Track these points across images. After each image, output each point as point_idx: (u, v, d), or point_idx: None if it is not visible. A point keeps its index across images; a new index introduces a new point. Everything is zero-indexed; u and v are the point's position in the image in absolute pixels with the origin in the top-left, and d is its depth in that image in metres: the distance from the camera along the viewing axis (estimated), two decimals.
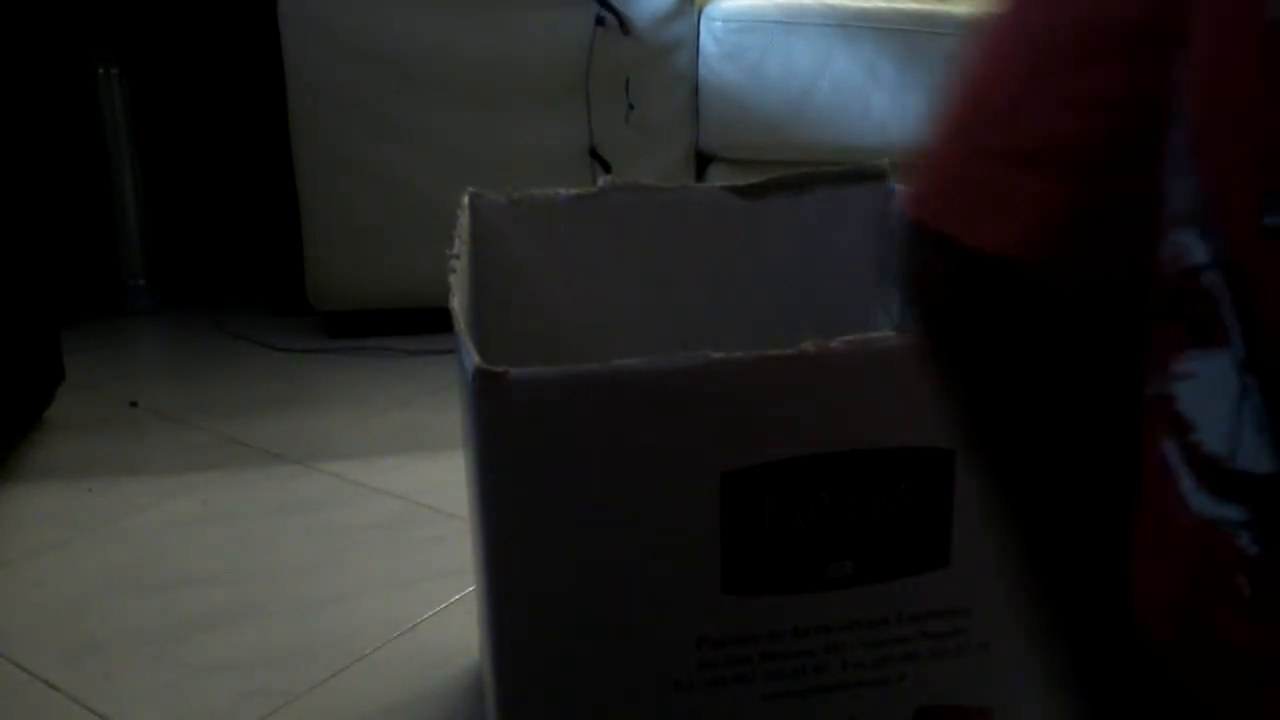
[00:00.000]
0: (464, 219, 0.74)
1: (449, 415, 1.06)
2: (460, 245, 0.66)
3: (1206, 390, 0.33)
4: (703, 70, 1.66)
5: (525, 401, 0.49)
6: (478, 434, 0.49)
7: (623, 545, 0.51)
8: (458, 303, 0.55)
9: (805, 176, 0.80)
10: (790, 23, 1.65)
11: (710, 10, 1.66)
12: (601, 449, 0.50)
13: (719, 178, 1.72)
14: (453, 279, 0.59)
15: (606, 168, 1.63)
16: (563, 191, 0.79)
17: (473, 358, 0.49)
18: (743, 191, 0.80)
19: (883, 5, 1.69)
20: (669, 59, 1.64)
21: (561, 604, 0.52)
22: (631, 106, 1.62)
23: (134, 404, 1.53)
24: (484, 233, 0.80)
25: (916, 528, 0.53)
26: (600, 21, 1.58)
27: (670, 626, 0.53)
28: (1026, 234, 0.37)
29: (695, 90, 1.67)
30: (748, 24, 1.65)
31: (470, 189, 0.79)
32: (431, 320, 1.40)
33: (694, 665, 0.53)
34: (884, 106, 1.69)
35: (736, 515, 0.51)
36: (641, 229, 0.80)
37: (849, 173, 0.79)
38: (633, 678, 0.53)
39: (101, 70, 1.83)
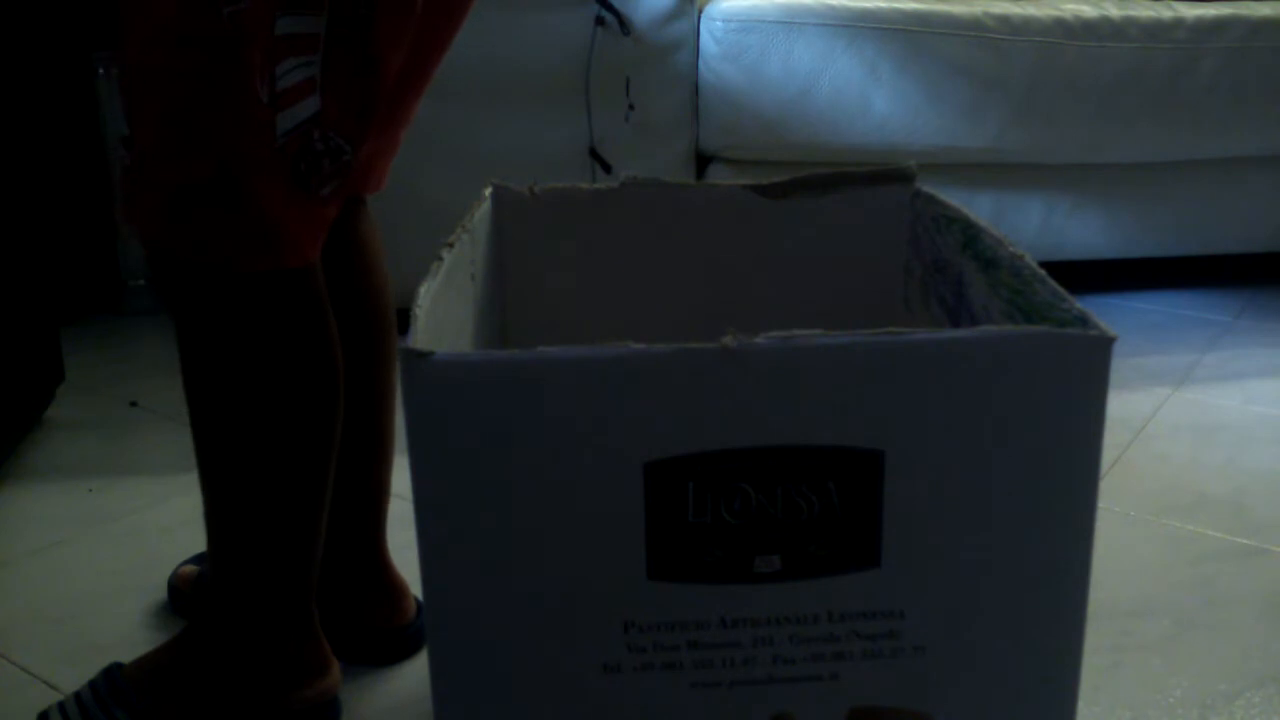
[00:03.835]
0: (483, 210, 0.74)
1: None
2: (464, 236, 0.66)
3: None
4: (703, 70, 1.66)
5: (448, 384, 0.50)
6: (406, 415, 0.51)
7: (549, 528, 0.52)
8: (425, 287, 0.56)
9: (830, 176, 0.79)
10: (790, 23, 1.65)
11: (710, 10, 1.66)
12: (525, 433, 0.51)
13: (719, 177, 1.72)
14: (434, 265, 0.59)
15: (606, 168, 1.63)
16: (584, 185, 0.79)
17: (410, 338, 0.50)
18: (765, 190, 0.79)
19: (883, 5, 1.69)
20: (669, 59, 1.64)
21: (492, 583, 0.53)
22: (631, 106, 1.62)
23: (134, 404, 1.53)
24: (505, 224, 0.80)
25: (845, 527, 0.53)
26: (600, 21, 1.58)
27: (598, 609, 0.54)
28: None
29: (695, 90, 1.67)
30: (748, 24, 1.65)
31: (493, 181, 0.79)
32: None
33: (622, 648, 0.54)
34: (884, 106, 1.69)
35: (660, 505, 0.52)
36: (663, 225, 0.80)
37: (874, 173, 0.79)
38: (563, 658, 0.54)
39: (101, 70, 1.83)
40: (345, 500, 0.92)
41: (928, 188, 0.78)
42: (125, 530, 1.19)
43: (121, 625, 1.02)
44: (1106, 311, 1.93)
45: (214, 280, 0.73)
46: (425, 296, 0.55)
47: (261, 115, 0.69)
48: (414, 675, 0.95)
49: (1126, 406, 1.52)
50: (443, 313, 0.59)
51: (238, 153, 0.69)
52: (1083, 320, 0.54)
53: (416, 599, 0.99)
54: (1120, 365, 1.67)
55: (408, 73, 0.78)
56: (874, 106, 1.69)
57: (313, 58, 0.69)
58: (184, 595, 1.03)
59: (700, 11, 1.66)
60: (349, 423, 0.89)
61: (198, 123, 0.69)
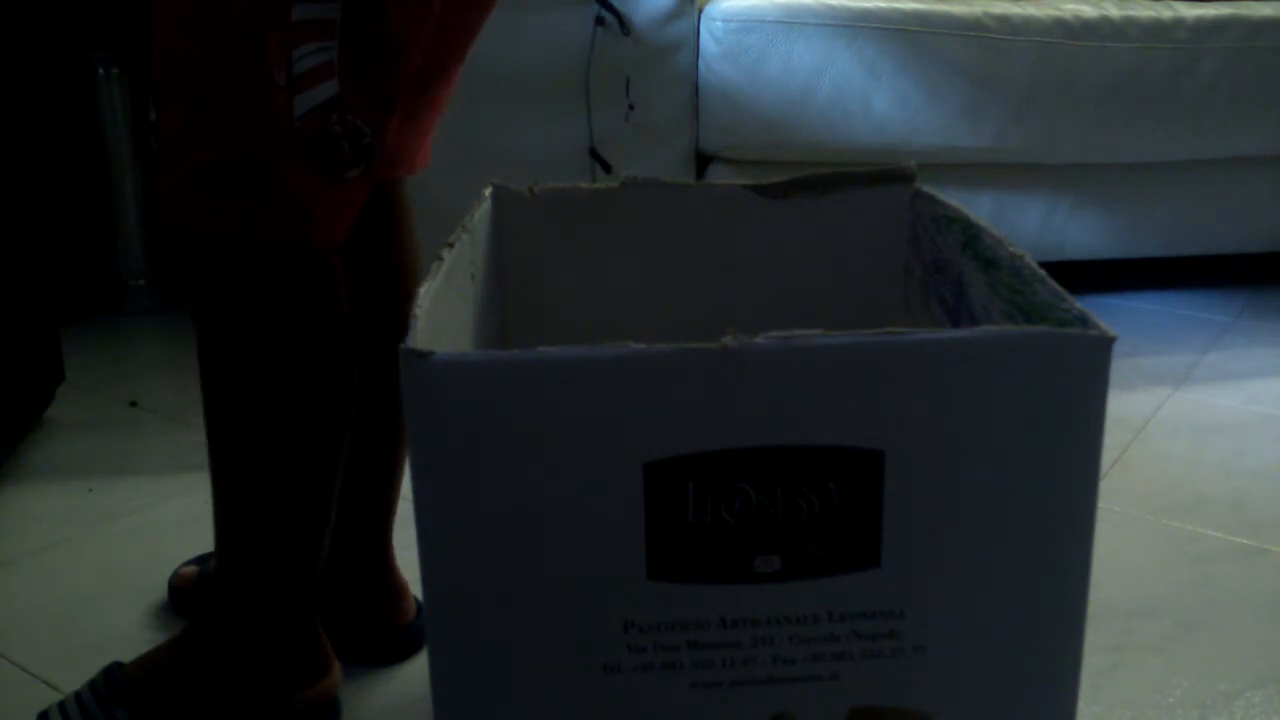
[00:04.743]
0: (483, 210, 0.75)
1: None
2: (464, 236, 0.66)
3: None
4: (703, 70, 1.66)
5: (448, 384, 0.50)
6: (407, 415, 0.51)
7: (549, 528, 0.52)
8: (425, 287, 0.56)
9: (829, 176, 0.79)
10: (790, 23, 1.66)
11: (710, 10, 1.66)
12: (525, 433, 0.51)
13: (719, 178, 1.72)
14: (434, 265, 0.59)
15: (606, 168, 1.63)
16: (584, 185, 0.80)
17: (410, 338, 0.50)
18: (765, 190, 0.79)
19: (883, 5, 1.69)
20: (669, 59, 1.64)
21: (492, 584, 0.53)
22: (631, 106, 1.62)
23: (134, 404, 1.53)
24: (505, 224, 0.80)
25: (845, 527, 0.53)
26: (600, 21, 1.58)
27: (598, 609, 0.54)
28: None
29: (695, 90, 1.67)
30: (748, 24, 1.65)
31: (493, 181, 0.79)
32: None
33: (622, 648, 0.54)
34: (884, 106, 1.69)
35: (660, 505, 0.52)
36: (663, 225, 0.80)
37: (874, 173, 0.79)
38: (563, 658, 0.54)
39: (101, 70, 1.83)
40: (355, 496, 0.92)
41: (928, 188, 0.78)
42: (125, 530, 1.19)
43: (121, 625, 1.02)
44: (1106, 311, 1.93)
45: (236, 259, 0.74)
46: (425, 296, 0.55)
47: (278, 99, 0.70)
48: (414, 675, 0.95)
49: (1126, 406, 1.52)
50: (443, 313, 0.59)
51: (257, 136, 0.70)
52: (1083, 320, 0.54)
53: (416, 599, 0.99)
54: (1120, 365, 1.67)
55: (435, 56, 0.79)
56: (874, 106, 1.69)
57: (330, 43, 0.70)
58: (184, 595, 1.03)
59: (700, 11, 1.66)
60: (363, 415, 0.89)
61: (217, 107, 0.70)
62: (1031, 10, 1.74)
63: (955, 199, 0.74)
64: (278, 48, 0.69)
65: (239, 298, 0.75)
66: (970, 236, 0.68)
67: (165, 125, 0.73)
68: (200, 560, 1.06)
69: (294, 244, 0.74)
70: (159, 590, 1.07)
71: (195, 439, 1.41)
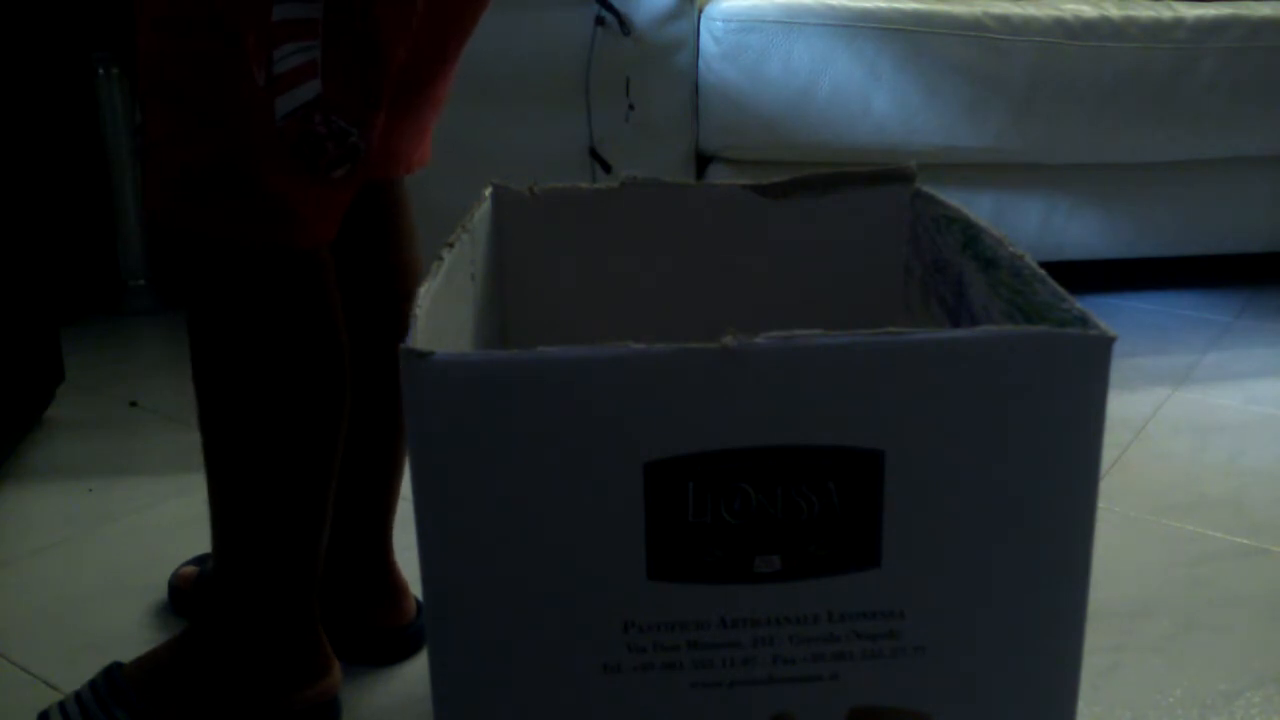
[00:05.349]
0: (483, 210, 0.75)
1: None
2: (464, 236, 0.66)
3: None
4: (703, 70, 1.66)
5: (448, 384, 0.50)
6: (407, 415, 0.51)
7: (549, 528, 0.52)
8: (425, 287, 0.56)
9: (830, 176, 0.79)
10: (790, 23, 1.65)
11: (710, 10, 1.66)
12: (526, 433, 0.51)
13: (719, 178, 1.72)
14: (434, 265, 0.59)
15: (606, 168, 1.63)
16: (584, 185, 0.80)
17: (410, 338, 0.50)
18: (765, 190, 0.79)
19: (883, 5, 1.69)
20: (669, 59, 1.64)
21: (492, 584, 0.53)
22: (631, 106, 1.62)
23: (134, 404, 1.53)
24: (505, 224, 0.80)
25: (845, 527, 0.53)
26: (600, 21, 1.58)
27: (598, 609, 0.54)
28: None
29: (695, 90, 1.67)
30: (748, 24, 1.65)
31: (493, 181, 0.79)
32: None
33: (622, 648, 0.54)
34: (884, 106, 1.69)
35: (660, 505, 0.52)
36: (663, 225, 0.80)
37: (874, 173, 0.79)
38: (563, 658, 0.54)
39: (101, 70, 1.83)
40: (354, 496, 0.92)
41: (928, 188, 0.78)
42: (125, 530, 1.19)
43: (121, 625, 1.02)
44: (1106, 311, 1.93)
45: (223, 258, 0.74)
46: (425, 296, 0.55)
47: (260, 99, 0.69)
48: (414, 675, 0.95)
49: (1126, 406, 1.52)
50: (443, 313, 0.59)
51: (238, 136, 0.71)
52: (1083, 320, 0.54)
53: (416, 599, 0.99)
54: (1120, 365, 1.67)
55: (426, 53, 0.79)
56: (874, 106, 1.69)
57: (312, 43, 0.70)
58: (184, 595, 1.03)
59: (700, 11, 1.66)
60: (363, 415, 0.89)
61: (198, 107, 0.71)
62: (1031, 10, 1.74)
63: (955, 199, 0.74)
64: (258, 48, 0.69)
65: (227, 297, 0.75)
66: (970, 236, 0.68)
67: (150, 126, 0.73)
68: (200, 560, 1.06)
69: (279, 244, 0.74)
70: (159, 590, 1.07)
71: (195, 439, 1.41)
